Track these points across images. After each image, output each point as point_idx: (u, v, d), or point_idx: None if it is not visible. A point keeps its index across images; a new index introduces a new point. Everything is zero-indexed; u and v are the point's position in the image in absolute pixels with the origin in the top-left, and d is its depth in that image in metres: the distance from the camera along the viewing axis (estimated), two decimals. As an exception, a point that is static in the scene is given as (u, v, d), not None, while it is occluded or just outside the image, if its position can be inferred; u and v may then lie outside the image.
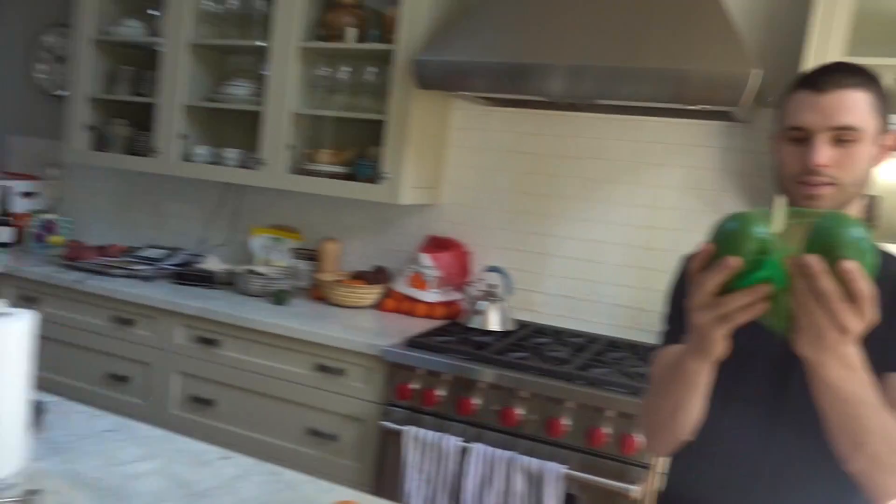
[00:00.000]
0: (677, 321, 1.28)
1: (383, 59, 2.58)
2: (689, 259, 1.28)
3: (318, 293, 2.86)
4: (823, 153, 1.12)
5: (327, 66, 2.74)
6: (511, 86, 2.22)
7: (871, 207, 2.09)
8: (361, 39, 2.62)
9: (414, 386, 2.24)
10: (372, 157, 2.66)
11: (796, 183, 1.15)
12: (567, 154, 2.66)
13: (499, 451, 2.07)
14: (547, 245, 2.70)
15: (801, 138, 1.15)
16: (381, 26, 2.61)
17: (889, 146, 1.19)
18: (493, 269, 2.58)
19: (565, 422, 2.05)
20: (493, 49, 2.26)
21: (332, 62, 2.76)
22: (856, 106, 1.12)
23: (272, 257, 3.13)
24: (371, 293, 2.78)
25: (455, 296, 2.75)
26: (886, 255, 1.14)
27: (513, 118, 2.73)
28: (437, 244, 2.81)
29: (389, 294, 2.80)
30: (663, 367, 1.19)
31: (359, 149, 2.79)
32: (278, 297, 2.72)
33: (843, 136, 1.12)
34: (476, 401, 2.17)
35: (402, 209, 2.93)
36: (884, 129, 1.18)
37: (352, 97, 2.75)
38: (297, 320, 2.51)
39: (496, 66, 2.23)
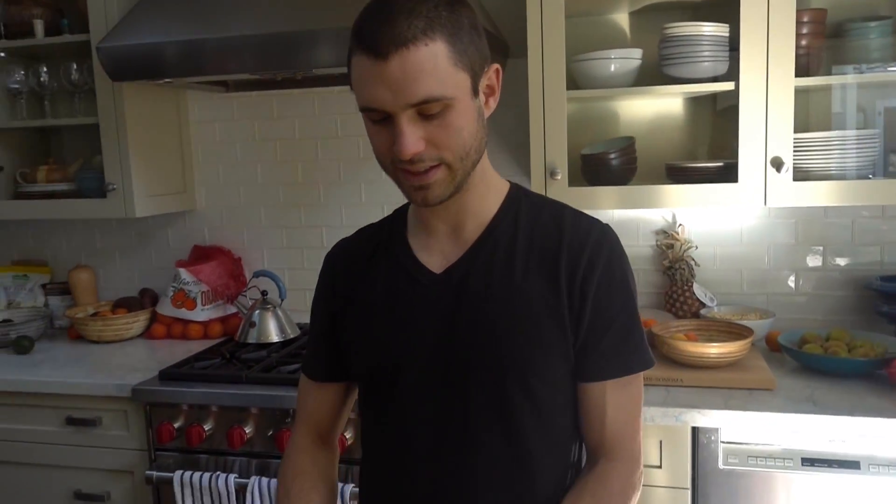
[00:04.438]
0: (322, 342, 1.09)
1: (85, 53, 2.20)
2: (331, 258, 1.09)
3: (74, 332, 2.48)
4: (411, 140, 0.85)
5: (23, 69, 2.32)
6: (200, 65, 1.90)
7: (629, 150, 2.01)
8: (53, 32, 2.23)
9: (177, 424, 1.95)
10: (97, 167, 2.29)
11: (400, 171, 0.90)
12: (320, 134, 2.41)
13: (282, 481, 1.83)
14: (319, 237, 2.46)
15: (382, 118, 0.87)
16: (73, 14, 2.23)
17: (492, 86, 0.94)
18: (262, 274, 2.31)
19: (350, 434, 1.83)
20: (175, 29, 1.94)
21: (27, 63, 2.35)
22: (431, 68, 0.82)
23: (20, 299, 2.69)
24: (134, 322, 2.43)
25: (230, 309, 2.46)
26: (582, 224, 0.98)
27: (253, 102, 2.45)
28: (200, 254, 2.50)
29: (157, 319, 2.47)
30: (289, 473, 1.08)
31: (85, 160, 2.41)
32: (19, 346, 2.31)
33: (427, 111, 0.85)
34: (248, 429, 1.91)
35: (158, 221, 2.59)
36: (479, 69, 0.89)
37: (62, 101, 2.36)
38: (39, 370, 2.13)
39: (178, 46, 1.91)
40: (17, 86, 2.33)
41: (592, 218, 0.99)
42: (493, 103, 0.96)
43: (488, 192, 0.99)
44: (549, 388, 0.94)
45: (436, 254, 0.99)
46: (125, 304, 2.50)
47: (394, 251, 1.02)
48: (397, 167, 0.90)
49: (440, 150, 0.87)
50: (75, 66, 2.27)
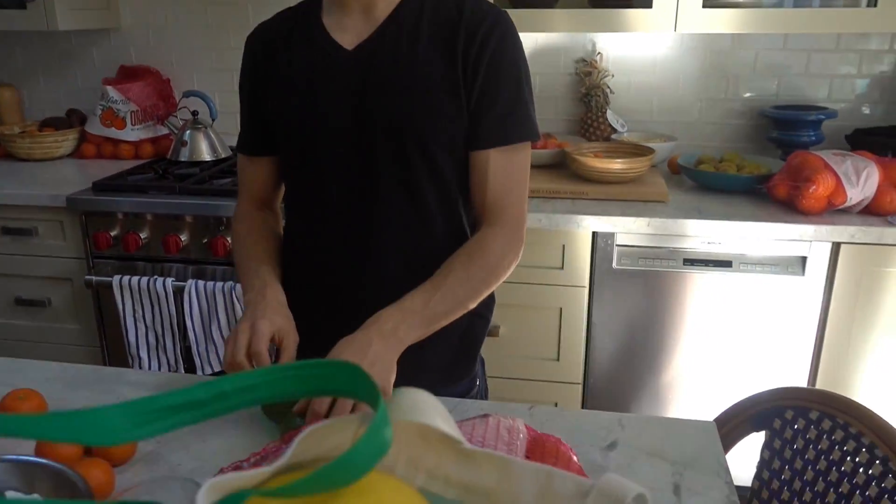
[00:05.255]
0: (250, 119, 1.18)
1: None
2: (251, 39, 1.16)
3: (2, 149, 2.48)
4: None
5: None
6: None
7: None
8: None
9: (114, 233, 2.04)
10: (13, -25, 2.21)
11: None
12: (251, -51, 2.37)
13: (218, 284, 1.97)
14: (251, 59, 2.46)
15: None
16: None
17: None
18: (192, 94, 2.33)
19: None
20: None
21: None
22: None
23: (-60, 117, 2.64)
24: (63, 140, 2.44)
25: (161, 130, 2.48)
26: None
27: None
28: (128, 74, 2.49)
29: (87, 138, 2.48)
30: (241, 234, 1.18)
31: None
32: (-55, 161, 2.32)
33: None
34: (183, 237, 2.02)
35: (81, 39, 2.54)
36: None
37: None
38: (-33, 183, 2.16)
39: None
40: None
41: (492, 4, 1.08)
42: None
43: None
44: (445, 154, 1.06)
45: (349, 31, 1.07)
46: (52, 124, 2.49)
47: (309, 30, 1.10)
48: None
49: None
50: None
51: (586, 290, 1.88)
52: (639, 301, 1.86)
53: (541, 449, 0.69)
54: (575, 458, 0.71)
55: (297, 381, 0.51)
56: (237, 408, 0.51)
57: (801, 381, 1.85)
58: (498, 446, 0.66)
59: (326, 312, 1.13)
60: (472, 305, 1.04)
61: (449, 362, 1.15)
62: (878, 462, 0.84)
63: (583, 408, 1.99)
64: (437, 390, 1.07)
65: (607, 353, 1.92)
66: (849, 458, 0.87)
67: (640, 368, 1.92)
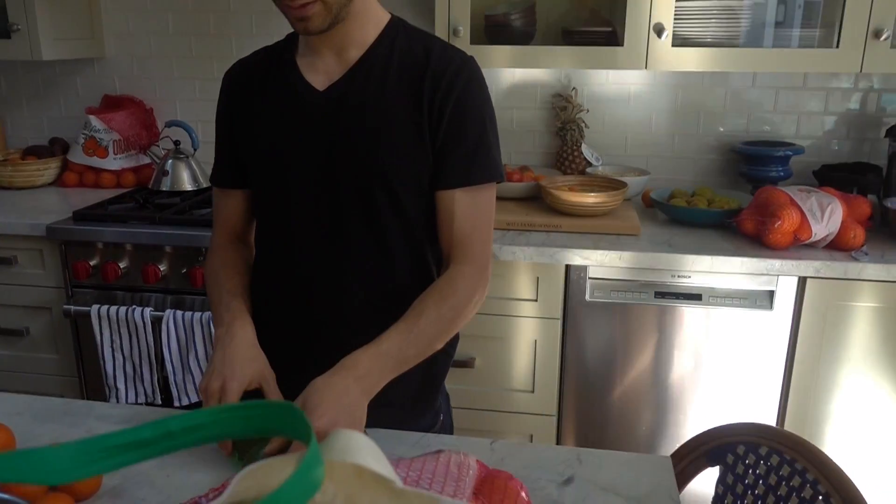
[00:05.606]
0: (224, 153, 1.21)
1: None
2: (228, 76, 1.19)
3: (-17, 178, 2.49)
4: None
5: None
6: None
7: (529, 12, 2.12)
8: None
9: (93, 262, 2.06)
10: (-1, 7, 2.25)
11: (283, 3, 1.00)
12: (232, -15, 2.42)
13: (196, 315, 1.98)
14: (234, 91, 2.50)
15: None
16: None
17: None
18: (174, 124, 2.36)
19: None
20: None
21: None
22: None
23: (-77, 144, 2.66)
24: (45, 169, 2.46)
25: (143, 159, 2.51)
26: (445, 50, 1.11)
27: (166, -53, 2.41)
28: (111, 103, 2.52)
29: (69, 167, 2.50)
30: (212, 270, 1.21)
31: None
32: (-74, 189, 2.33)
33: None
34: (162, 267, 2.03)
35: (66, 68, 2.57)
36: None
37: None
38: (-52, 211, 2.17)
39: None
40: None
41: (459, 50, 1.12)
42: None
43: (368, 22, 1.11)
44: (410, 194, 1.10)
45: (321, 73, 1.11)
46: (35, 152, 2.51)
47: (283, 71, 1.14)
48: (282, 2, 1.00)
49: None
50: None
51: (560, 322, 1.91)
52: (611, 333, 1.89)
53: (490, 485, 0.71)
54: (524, 494, 0.73)
55: (240, 420, 0.53)
56: (184, 447, 0.53)
57: (771, 414, 1.88)
58: (446, 482, 0.68)
59: (292, 345, 1.15)
60: (440, 346, 1.07)
61: (411, 397, 1.17)
62: (820, 498, 0.86)
63: (557, 439, 2.00)
64: (399, 425, 1.10)
65: (581, 384, 1.94)
66: (794, 494, 0.90)
67: (613, 400, 1.94)
